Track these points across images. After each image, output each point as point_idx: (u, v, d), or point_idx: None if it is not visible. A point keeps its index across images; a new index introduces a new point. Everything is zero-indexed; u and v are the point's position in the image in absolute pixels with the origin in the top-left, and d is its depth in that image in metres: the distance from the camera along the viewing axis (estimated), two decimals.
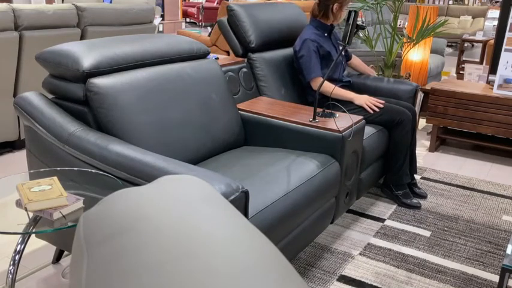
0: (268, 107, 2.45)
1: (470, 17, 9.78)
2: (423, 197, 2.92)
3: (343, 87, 2.85)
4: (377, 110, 2.63)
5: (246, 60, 2.73)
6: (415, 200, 2.78)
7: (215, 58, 2.54)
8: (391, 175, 2.76)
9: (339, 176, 2.18)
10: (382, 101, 2.67)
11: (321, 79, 2.68)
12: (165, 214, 0.51)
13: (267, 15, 2.81)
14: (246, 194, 1.50)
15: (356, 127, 2.25)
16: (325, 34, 2.80)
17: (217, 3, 11.98)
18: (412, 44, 3.56)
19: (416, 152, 3.45)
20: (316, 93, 2.28)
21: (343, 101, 2.69)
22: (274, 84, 2.74)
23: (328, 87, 2.67)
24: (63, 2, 6.13)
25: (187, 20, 12.91)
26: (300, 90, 2.88)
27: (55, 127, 1.77)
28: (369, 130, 2.57)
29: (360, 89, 3.06)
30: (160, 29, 8.59)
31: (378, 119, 2.65)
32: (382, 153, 2.71)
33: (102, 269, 0.46)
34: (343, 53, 2.89)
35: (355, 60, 3.18)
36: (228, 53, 5.18)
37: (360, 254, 2.28)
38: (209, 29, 11.58)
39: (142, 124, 1.85)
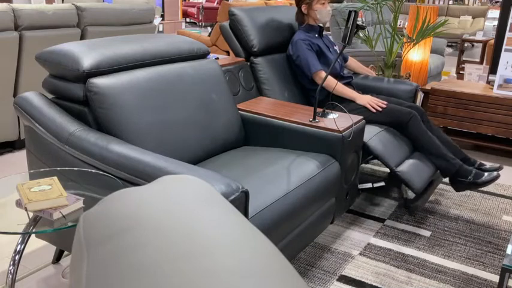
0: (268, 107, 2.45)
1: (470, 17, 9.78)
2: (498, 168, 2.66)
3: (345, 84, 2.85)
4: (380, 109, 2.62)
5: (248, 64, 2.73)
6: (488, 173, 2.55)
7: (215, 58, 2.54)
8: (441, 169, 2.61)
9: (339, 176, 2.18)
10: (385, 102, 2.66)
11: (323, 72, 2.68)
12: (165, 214, 0.51)
13: (268, 18, 2.81)
14: (246, 194, 1.50)
15: (356, 127, 2.25)
16: (316, 35, 2.81)
17: (217, 3, 11.98)
18: (412, 44, 3.56)
19: None
20: (318, 88, 2.27)
21: (346, 100, 2.69)
22: (278, 87, 2.74)
23: (332, 82, 2.67)
24: (63, 2, 6.13)
25: (187, 20, 12.90)
26: (303, 93, 2.88)
27: (55, 127, 1.77)
28: (375, 129, 2.56)
29: (359, 90, 3.06)
30: (160, 29, 8.59)
31: (381, 120, 2.63)
32: (411, 145, 2.65)
33: (102, 269, 0.46)
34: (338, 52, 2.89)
35: (353, 62, 3.17)
36: (228, 53, 5.18)
37: (360, 254, 2.28)
38: (209, 29, 11.58)
39: (142, 124, 1.85)
